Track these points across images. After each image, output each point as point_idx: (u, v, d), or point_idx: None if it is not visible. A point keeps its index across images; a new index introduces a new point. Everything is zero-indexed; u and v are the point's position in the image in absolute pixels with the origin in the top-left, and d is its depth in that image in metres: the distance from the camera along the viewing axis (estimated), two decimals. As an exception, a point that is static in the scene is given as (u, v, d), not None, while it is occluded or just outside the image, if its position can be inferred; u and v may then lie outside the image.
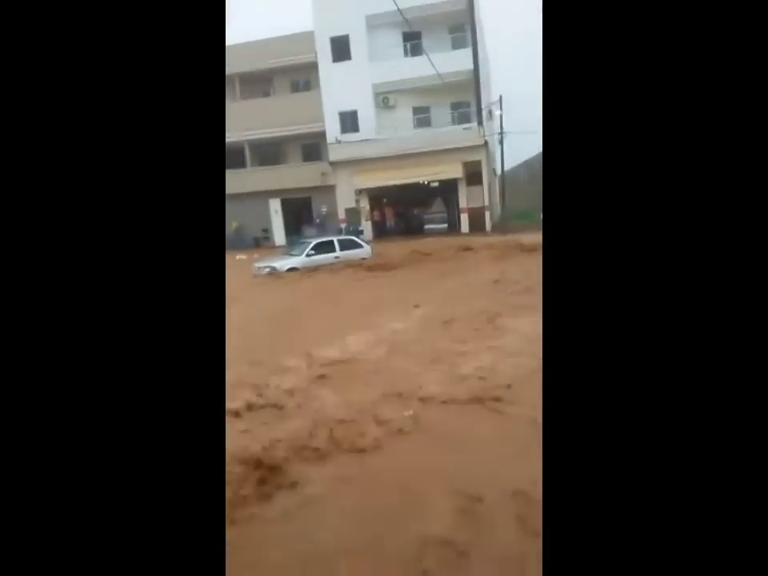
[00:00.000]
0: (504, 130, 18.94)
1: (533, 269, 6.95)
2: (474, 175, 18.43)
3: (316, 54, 19.41)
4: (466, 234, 17.89)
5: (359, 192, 19.31)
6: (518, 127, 18.26)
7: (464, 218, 18.91)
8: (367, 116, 19.39)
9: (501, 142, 19.23)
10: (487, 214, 18.96)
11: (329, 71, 19.32)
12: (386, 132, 19.10)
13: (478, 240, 14.43)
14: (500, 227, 18.55)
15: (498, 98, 19.45)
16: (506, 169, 20.41)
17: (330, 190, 19.70)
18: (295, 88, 21.32)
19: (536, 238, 11.04)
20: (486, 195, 18.82)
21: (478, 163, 18.39)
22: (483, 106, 18.80)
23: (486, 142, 18.55)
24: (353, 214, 19.59)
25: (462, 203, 18.89)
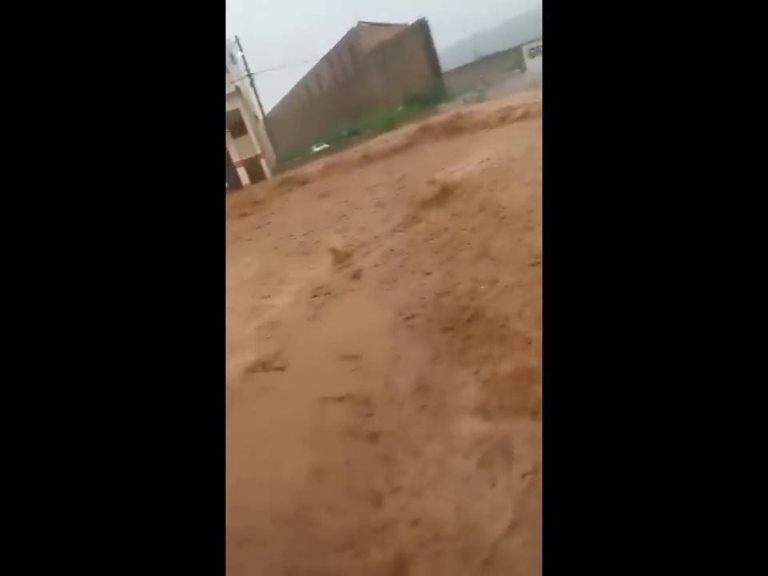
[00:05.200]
0: (251, 71, 18.29)
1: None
2: (236, 125, 17.53)
3: None
4: (249, 187, 17.26)
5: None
6: (263, 66, 17.79)
7: (242, 172, 18.00)
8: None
9: (252, 85, 18.59)
10: (263, 161, 18.49)
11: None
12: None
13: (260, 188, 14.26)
14: (279, 170, 18.34)
15: (234, 38, 18.48)
16: (266, 111, 19.97)
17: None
18: None
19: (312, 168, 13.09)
20: (255, 143, 18.26)
21: (237, 112, 17.44)
22: (221, 50, 17.65)
23: (237, 88, 17.70)
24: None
25: (235, 158, 17.86)
